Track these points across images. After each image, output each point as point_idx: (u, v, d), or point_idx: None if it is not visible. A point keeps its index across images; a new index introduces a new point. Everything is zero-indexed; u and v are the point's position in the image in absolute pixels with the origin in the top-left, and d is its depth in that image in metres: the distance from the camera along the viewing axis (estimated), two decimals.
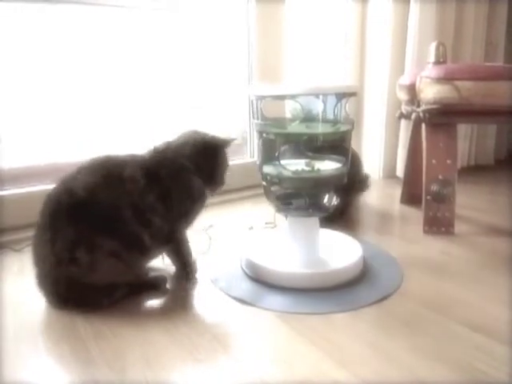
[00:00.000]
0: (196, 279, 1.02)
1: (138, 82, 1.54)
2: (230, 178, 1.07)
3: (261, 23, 1.70)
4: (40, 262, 0.88)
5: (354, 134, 1.01)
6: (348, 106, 0.97)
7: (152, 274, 1.00)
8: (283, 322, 0.83)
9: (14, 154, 1.36)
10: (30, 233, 1.19)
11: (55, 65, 1.39)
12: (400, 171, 1.90)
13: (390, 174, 1.99)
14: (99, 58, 1.45)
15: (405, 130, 1.87)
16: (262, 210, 1.41)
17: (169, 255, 1.02)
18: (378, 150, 1.99)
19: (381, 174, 2.01)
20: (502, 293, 0.93)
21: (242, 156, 1.83)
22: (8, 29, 1.30)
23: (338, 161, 1.01)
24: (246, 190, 1.68)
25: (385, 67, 1.88)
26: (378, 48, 1.91)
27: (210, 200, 1.51)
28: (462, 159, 2.11)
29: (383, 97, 1.90)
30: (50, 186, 1.32)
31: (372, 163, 1.98)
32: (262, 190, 1.05)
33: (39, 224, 0.88)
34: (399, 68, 1.83)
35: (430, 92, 1.19)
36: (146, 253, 0.94)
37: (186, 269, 1.02)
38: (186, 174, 0.98)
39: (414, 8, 1.78)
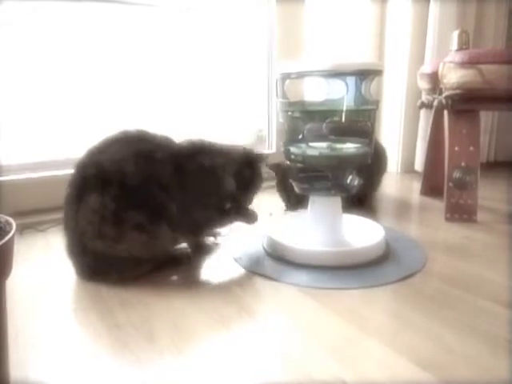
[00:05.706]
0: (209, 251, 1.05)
1: (148, 77, 1.55)
2: None
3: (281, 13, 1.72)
4: (70, 232, 0.89)
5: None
6: (371, 87, 0.97)
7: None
8: (308, 296, 0.83)
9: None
10: (53, 215, 1.24)
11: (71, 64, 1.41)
12: (419, 165, 1.89)
13: (408, 168, 1.98)
14: (106, 55, 1.46)
15: (424, 122, 1.86)
16: (281, 200, 1.41)
17: None
18: (397, 143, 1.98)
19: (399, 169, 2.00)
20: None
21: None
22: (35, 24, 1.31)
23: (361, 143, 1.01)
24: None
25: (404, 58, 1.87)
26: (397, 39, 1.90)
27: None
28: (481, 155, 2.08)
29: (402, 89, 1.90)
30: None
31: (390, 157, 1.96)
32: None
33: (68, 194, 0.89)
34: (419, 59, 1.81)
35: (454, 77, 1.18)
36: (173, 224, 0.90)
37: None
38: (221, 175, 0.96)
39: None
